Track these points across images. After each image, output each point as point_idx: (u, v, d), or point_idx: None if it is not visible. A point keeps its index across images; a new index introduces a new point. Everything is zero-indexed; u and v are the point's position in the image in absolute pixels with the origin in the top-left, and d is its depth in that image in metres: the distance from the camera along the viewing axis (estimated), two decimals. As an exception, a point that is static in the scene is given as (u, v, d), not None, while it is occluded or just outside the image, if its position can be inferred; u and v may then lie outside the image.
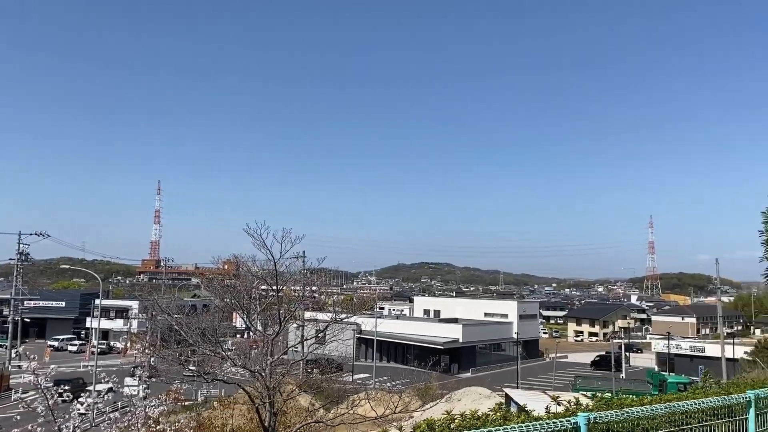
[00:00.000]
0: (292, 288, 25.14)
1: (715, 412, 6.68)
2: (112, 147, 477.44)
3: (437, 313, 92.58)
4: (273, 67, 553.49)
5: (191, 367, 21.14)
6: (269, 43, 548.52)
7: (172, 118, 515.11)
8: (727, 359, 52.09)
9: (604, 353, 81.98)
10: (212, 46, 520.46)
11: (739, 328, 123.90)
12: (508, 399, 25.65)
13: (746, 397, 6.98)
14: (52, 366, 13.71)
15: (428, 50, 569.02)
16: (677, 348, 74.43)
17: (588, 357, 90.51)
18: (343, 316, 23.26)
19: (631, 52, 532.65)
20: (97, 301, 65.46)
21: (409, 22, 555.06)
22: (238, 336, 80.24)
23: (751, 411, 6.96)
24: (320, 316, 27.18)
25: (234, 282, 23.66)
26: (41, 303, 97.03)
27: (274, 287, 20.54)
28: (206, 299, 71.05)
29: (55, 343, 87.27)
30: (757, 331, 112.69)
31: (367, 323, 68.35)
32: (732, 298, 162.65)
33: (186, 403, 28.70)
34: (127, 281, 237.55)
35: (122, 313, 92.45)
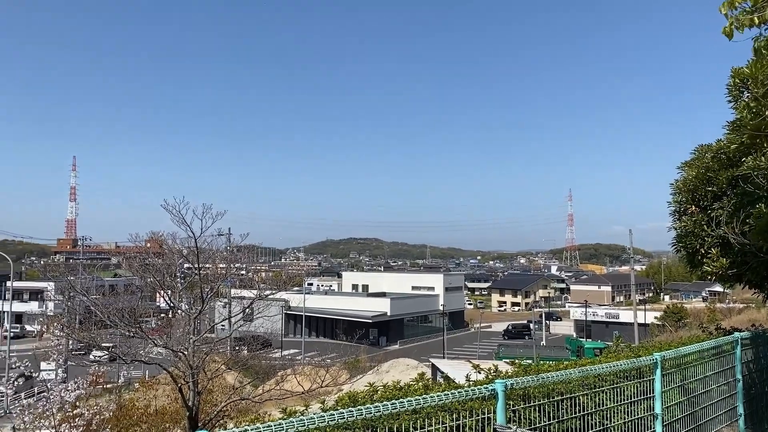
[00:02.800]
0: (218, 266, 24.49)
1: (626, 374, 7.00)
2: (21, 118, 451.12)
3: (365, 287, 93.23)
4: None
5: (108, 347, 20.44)
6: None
7: (86, 90, 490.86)
8: (639, 324, 54.93)
9: (516, 323, 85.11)
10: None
11: (651, 295, 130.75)
12: (435, 369, 26.21)
13: (653, 359, 7.35)
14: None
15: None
16: (594, 315, 77.92)
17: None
18: (268, 292, 22.96)
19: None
20: (8, 284, 62.21)
21: None
22: (161, 316, 78.27)
23: (657, 372, 7.34)
24: (246, 293, 26.00)
25: (155, 261, 22.87)
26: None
27: (197, 265, 19.85)
28: (126, 279, 68.76)
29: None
30: (666, 298, 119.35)
31: (295, 299, 67.87)
32: (644, 267, 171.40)
33: (107, 386, 27.79)
34: (42, 262, 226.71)
35: (37, 295, 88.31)
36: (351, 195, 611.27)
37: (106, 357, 18.47)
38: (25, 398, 15.01)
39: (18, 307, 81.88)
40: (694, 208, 10.51)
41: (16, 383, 15.55)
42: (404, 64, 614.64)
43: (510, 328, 77.45)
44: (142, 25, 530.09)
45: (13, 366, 15.69)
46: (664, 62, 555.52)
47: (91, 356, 35.27)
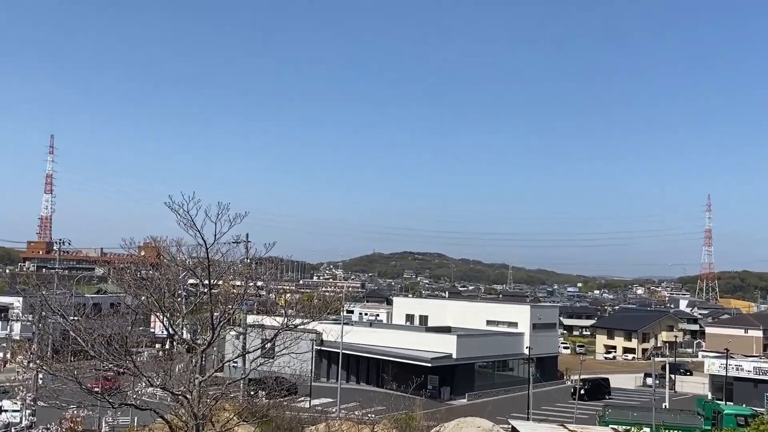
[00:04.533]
0: (231, 283, 25.61)
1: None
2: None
3: (424, 319, 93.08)
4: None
5: (93, 388, 21.02)
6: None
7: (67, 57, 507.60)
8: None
9: (591, 377, 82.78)
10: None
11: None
12: (516, 434, 25.99)
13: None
14: None
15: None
16: (738, 370, 75.68)
17: (624, 380, 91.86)
18: (299, 321, 23.39)
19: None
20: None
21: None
22: (157, 346, 79.96)
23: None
24: (268, 321, 27.28)
25: (152, 274, 23.68)
26: None
27: (206, 282, 20.67)
28: (115, 296, 70.54)
29: None
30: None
31: (330, 331, 68.34)
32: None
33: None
34: (8, 270, 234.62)
35: (0, 313, 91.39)
36: (407, 196, 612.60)
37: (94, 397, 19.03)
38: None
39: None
40: None
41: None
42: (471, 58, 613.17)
43: (581, 385, 74.16)
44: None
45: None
46: None
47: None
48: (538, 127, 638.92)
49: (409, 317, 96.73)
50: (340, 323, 65.64)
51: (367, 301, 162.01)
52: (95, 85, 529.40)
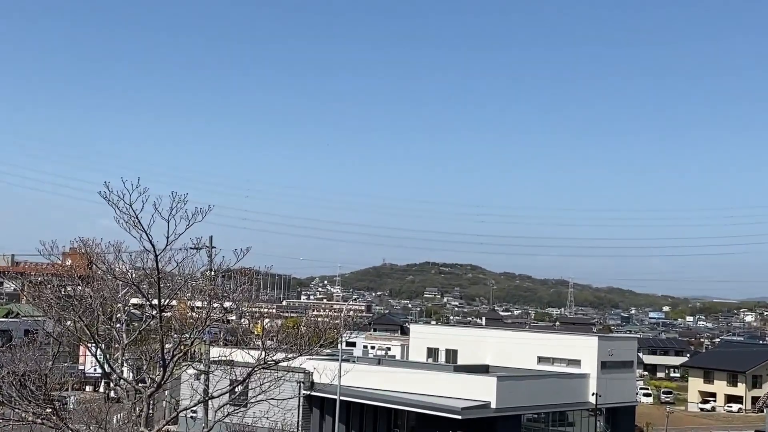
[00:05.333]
0: (189, 304, 26.19)
1: None
2: None
3: (452, 354, 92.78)
4: None
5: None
6: None
7: None
8: None
9: None
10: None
11: None
12: None
13: None
14: None
15: None
16: None
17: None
18: (281, 356, 23.23)
19: None
20: None
21: None
22: (88, 389, 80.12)
23: None
24: (239, 355, 27.43)
25: (82, 290, 23.46)
26: None
27: (155, 301, 20.60)
28: (30, 320, 70.60)
29: None
30: None
31: (324, 370, 67.71)
32: None
33: None
34: None
35: None
36: (431, 187, 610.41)
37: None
38: None
39: None
40: None
41: None
42: None
43: None
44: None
45: None
46: None
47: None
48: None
49: (432, 352, 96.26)
50: (337, 359, 66.23)
51: (375, 330, 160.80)
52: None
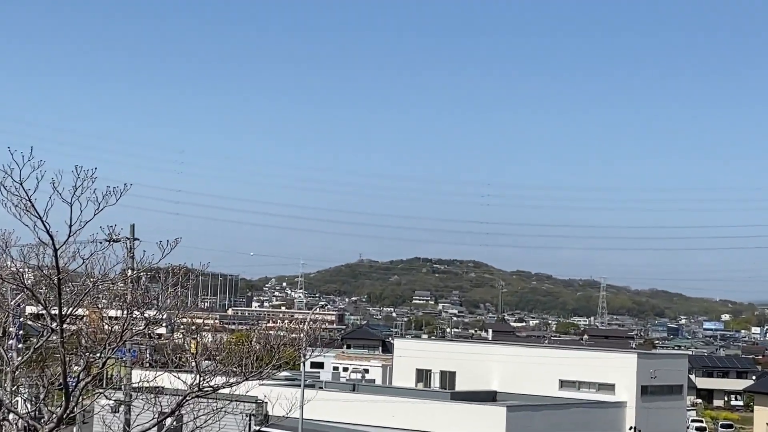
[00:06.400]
0: (102, 313, 24.16)
1: None
2: None
3: (448, 377, 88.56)
4: None
5: None
6: None
7: None
8: None
9: None
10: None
11: None
12: None
13: None
14: None
15: None
16: None
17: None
18: (222, 381, 22.95)
19: None
20: None
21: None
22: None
23: None
24: (169, 380, 26.99)
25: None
26: None
27: (55, 310, 19.30)
28: None
29: None
30: None
31: (279, 399, 60.83)
32: None
33: None
34: None
35: None
36: (422, 161, 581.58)
37: None
38: None
39: None
40: None
41: None
42: None
43: None
44: None
45: None
46: None
47: None
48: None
49: (423, 374, 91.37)
50: (298, 385, 62.58)
51: (349, 346, 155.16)
52: None
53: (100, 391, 29.36)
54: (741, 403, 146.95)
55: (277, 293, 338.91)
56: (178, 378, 23.76)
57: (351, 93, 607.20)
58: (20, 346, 23.45)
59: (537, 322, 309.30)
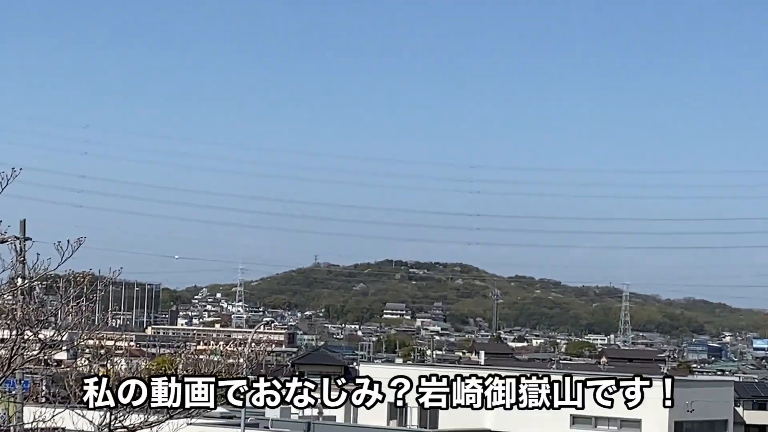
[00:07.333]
0: None
1: None
2: None
3: (429, 414, 78.27)
4: None
5: None
6: None
7: None
8: None
9: None
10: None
11: None
12: None
13: None
14: None
15: None
16: None
17: None
18: (138, 419, 23.43)
19: None
20: None
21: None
22: None
23: None
24: (71, 418, 26.47)
25: None
26: None
27: None
28: None
29: None
30: None
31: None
32: None
33: None
34: None
35: None
36: (390, 137, 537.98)
37: None
38: None
39: None
40: None
41: None
42: None
43: None
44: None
45: None
46: None
47: None
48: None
49: (395, 410, 79.54)
50: (238, 425, 59.41)
51: (302, 374, 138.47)
52: None
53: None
54: None
55: (209, 307, 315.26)
56: (83, 417, 23.33)
57: (307, 62, 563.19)
58: None
59: (542, 341, 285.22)
